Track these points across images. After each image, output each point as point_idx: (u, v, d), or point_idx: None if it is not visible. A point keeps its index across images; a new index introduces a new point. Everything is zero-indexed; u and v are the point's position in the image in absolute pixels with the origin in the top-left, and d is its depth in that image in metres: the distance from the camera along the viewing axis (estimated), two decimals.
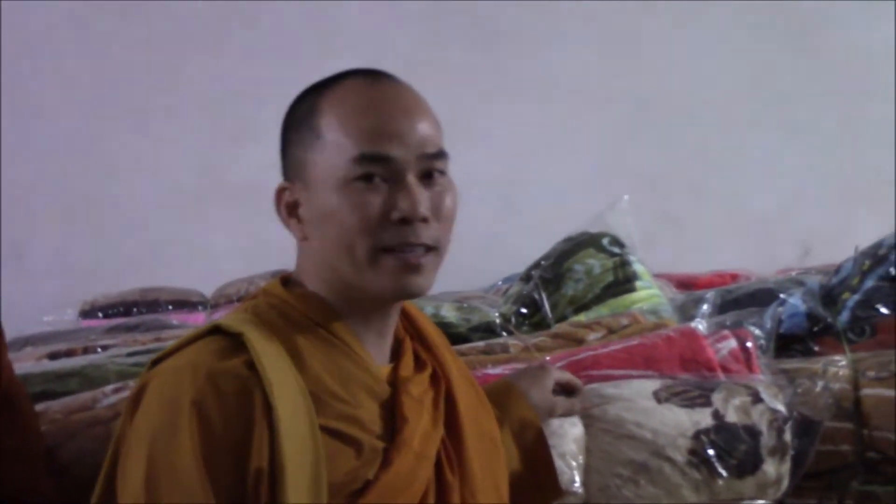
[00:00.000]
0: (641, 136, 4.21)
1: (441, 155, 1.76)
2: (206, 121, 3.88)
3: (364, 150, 1.69)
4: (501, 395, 2.13)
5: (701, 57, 4.32)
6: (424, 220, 1.70)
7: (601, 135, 4.16)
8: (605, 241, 2.95)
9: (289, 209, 1.78)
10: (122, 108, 4.09)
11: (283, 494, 1.54)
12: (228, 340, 1.65)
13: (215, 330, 1.68)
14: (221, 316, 1.78)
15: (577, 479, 2.21)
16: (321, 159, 1.73)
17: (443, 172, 1.76)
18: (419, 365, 1.84)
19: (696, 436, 2.25)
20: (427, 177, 1.73)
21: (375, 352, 1.78)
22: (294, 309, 1.76)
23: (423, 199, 1.70)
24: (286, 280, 1.83)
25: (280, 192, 1.78)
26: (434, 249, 1.73)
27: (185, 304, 3.35)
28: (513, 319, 2.86)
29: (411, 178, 1.70)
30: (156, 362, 1.70)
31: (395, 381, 1.76)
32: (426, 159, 1.73)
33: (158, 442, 1.56)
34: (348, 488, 1.63)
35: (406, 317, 1.89)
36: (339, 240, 1.71)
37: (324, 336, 1.74)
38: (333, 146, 1.71)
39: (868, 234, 2.94)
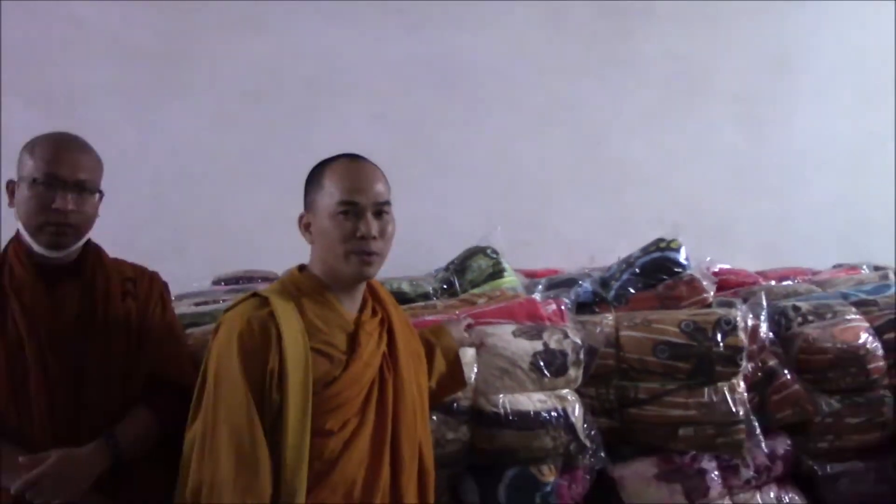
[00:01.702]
0: (509, 195, 4.18)
1: (387, 203, 1.80)
2: (289, 172, 3.78)
3: (344, 198, 1.74)
4: (437, 332, 2.14)
5: (506, 142, 4.30)
6: (374, 238, 1.74)
7: (484, 194, 4.14)
8: (488, 251, 2.92)
9: (305, 227, 1.82)
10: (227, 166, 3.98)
11: (286, 383, 1.63)
12: (262, 300, 1.72)
13: (255, 295, 1.75)
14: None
15: (472, 376, 2.19)
16: (323, 200, 1.76)
17: (388, 212, 1.80)
18: (374, 313, 1.85)
19: (534, 355, 2.24)
20: (378, 214, 1.77)
21: (349, 306, 1.80)
22: (303, 283, 1.79)
23: (374, 226, 1.74)
24: (302, 267, 1.85)
25: (301, 217, 1.83)
26: (378, 254, 1.76)
27: (267, 279, 3.28)
28: (439, 291, 2.83)
29: (369, 215, 1.74)
30: (226, 311, 1.75)
31: (358, 322, 1.79)
32: (378, 205, 1.77)
33: (222, 358, 1.65)
34: (324, 381, 1.68)
35: (370, 287, 1.88)
36: (328, 245, 1.76)
37: (318, 298, 1.77)
38: (328, 194, 1.76)
39: (626, 251, 2.92)
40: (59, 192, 1.81)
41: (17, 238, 1.90)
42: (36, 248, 1.85)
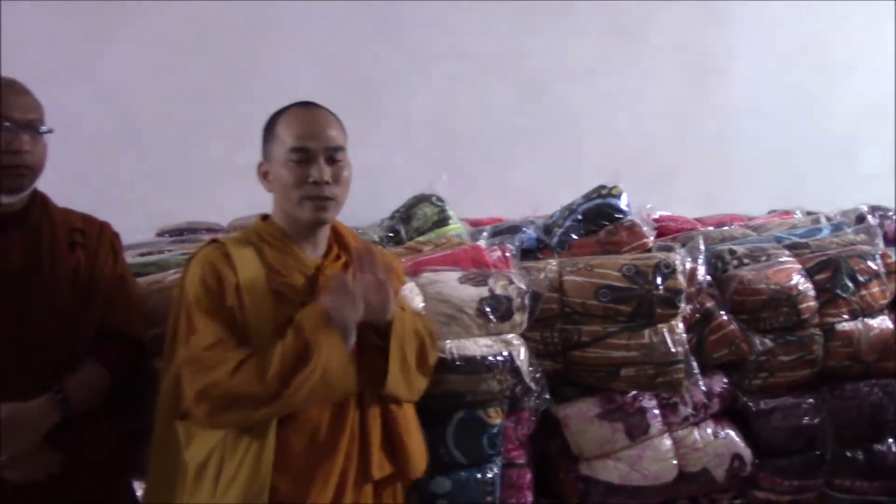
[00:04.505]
0: (452, 144, 4.19)
1: (340, 148, 1.82)
2: (231, 121, 3.74)
3: (294, 145, 1.77)
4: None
5: (449, 91, 4.30)
6: (327, 182, 1.77)
7: (428, 144, 4.14)
8: (433, 199, 2.94)
9: (263, 175, 1.85)
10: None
11: (248, 320, 1.71)
12: (221, 245, 1.80)
13: (214, 241, 1.83)
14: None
15: None
16: (276, 149, 1.80)
17: (341, 158, 1.82)
18: (338, 258, 1.88)
19: (480, 301, 2.26)
20: (331, 160, 1.79)
21: (311, 252, 1.85)
22: (264, 231, 1.84)
23: (326, 172, 1.77)
24: (265, 217, 1.89)
25: (260, 166, 1.86)
26: (333, 199, 1.80)
27: (211, 230, 3.26)
28: (385, 239, 2.84)
29: (321, 160, 1.77)
30: (190, 258, 1.82)
31: (320, 267, 1.82)
32: (331, 150, 1.80)
33: (188, 293, 1.73)
34: (283, 322, 1.71)
35: (336, 232, 1.92)
36: (283, 192, 1.80)
37: (278, 245, 1.82)
38: (281, 142, 1.79)
39: (569, 200, 2.95)
40: (12, 133, 1.77)
41: None
42: None
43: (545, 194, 3.45)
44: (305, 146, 1.77)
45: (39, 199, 1.93)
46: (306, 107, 1.84)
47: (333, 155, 1.80)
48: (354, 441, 1.77)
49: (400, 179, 3.16)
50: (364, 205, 3.21)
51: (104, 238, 2.00)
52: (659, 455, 2.48)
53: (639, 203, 2.95)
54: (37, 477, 1.79)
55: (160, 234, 3.19)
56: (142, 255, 2.55)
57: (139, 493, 2.05)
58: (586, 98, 4.45)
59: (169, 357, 1.81)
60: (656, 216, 3.19)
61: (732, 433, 2.59)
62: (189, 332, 1.68)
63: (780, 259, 2.76)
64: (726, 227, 3.27)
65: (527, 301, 2.33)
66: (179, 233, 3.16)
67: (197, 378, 1.64)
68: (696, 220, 3.44)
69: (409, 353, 1.85)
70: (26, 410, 1.76)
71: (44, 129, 1.85)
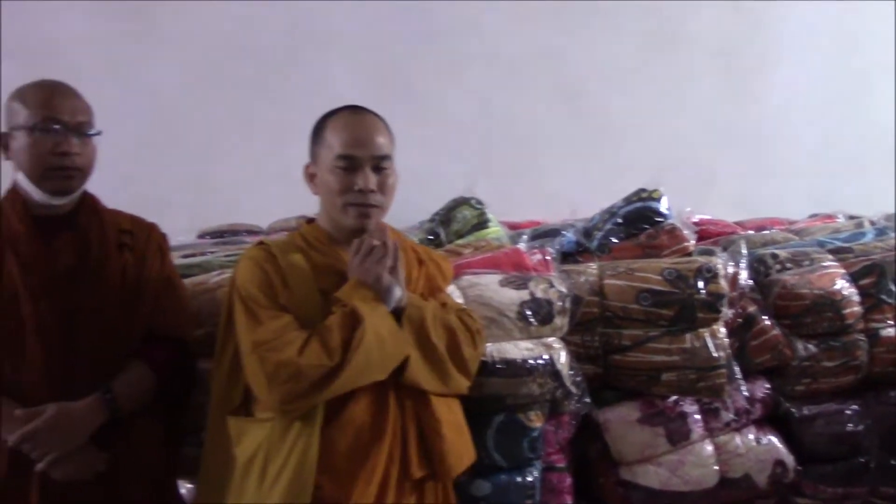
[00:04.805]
0: (489, 147, 4.19)
1: (387, 157, 1.83)
2: (271, 124, 3.76)
3: (341, 152, 1.79)
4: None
5: (485, 94, 4.28)
6: (372, 191, 1.78)
7: (465, 147, 4.15)
8: (473, 202, 2.93)
9: (310, 177, 1.87)
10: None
11: (296, 315, 1.74)
12: (267, 247, 1.83)
13: (262, 243, 1.86)
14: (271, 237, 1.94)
15: None
16: (324, 153, 1.82)
17: (387, 166, 1.83)
18: None
19: (521, 304, 2.25)
20: (377, 168, 1.80)
21: None
22: (309, 235, 1.88)
23: (372, 180, 1.78)
24: (311, 220, 1.93)
25: (306, 168, 1.89)
26: (377, 207, 1.82)
27: (251, 232, 3.29)
28: (425, 242, 2.84)
29: (367, 168, 1.79)
30: (239, 261, 1.85)
31: None
32: (377, 158, 1.81)
33: (242, 291, 1.76)
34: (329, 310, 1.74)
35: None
36: (329, 197, 1.83)
37: (323, 249, 1.85)
38: (328, 147, 1.81)
39: (606, 203, 2.93)
40: (62, 136, 1.80)
41: (12, 191, 1.88)
42: (39, 197, 1.84)
43: (583, 197, 3.42)
44: (352, 154, 1.78)
45: (89, 201, 1.95)
46: (355, 112, 1.85)
47: (380, 163, 1.81)
48: (397, 440, 1.76)
49: (439, 182, 3.15)
50: (403, 207, 3.23)
51: (152, 240, 2.02)
52: (700, 460, 2.45)
53: (677, 207, 2.92)
54: (83, 476, 1.80)
55: (201, 235, 3.23)
56: (185, 256, 2.57)
57: (183, 492, 2.08)
58: (625, 100, 4.43)
59: (220, 355, 1.84)
60: (695, 220, 3.16)
61: (775, 439, 2.56)
62: (255, 323, 1.71)
63: (824, 263, 2.72)
64: (767, 231, 3.24)
65: (567, 304, 2.32)
66: (220, 235, 3.20)
67: (267, 360, 1.66)
68: (737, 223, 3.40)
69: (438, 341, 1.83)
70: (74, 409, 1.77)
71: (93, 131, 1.88)
